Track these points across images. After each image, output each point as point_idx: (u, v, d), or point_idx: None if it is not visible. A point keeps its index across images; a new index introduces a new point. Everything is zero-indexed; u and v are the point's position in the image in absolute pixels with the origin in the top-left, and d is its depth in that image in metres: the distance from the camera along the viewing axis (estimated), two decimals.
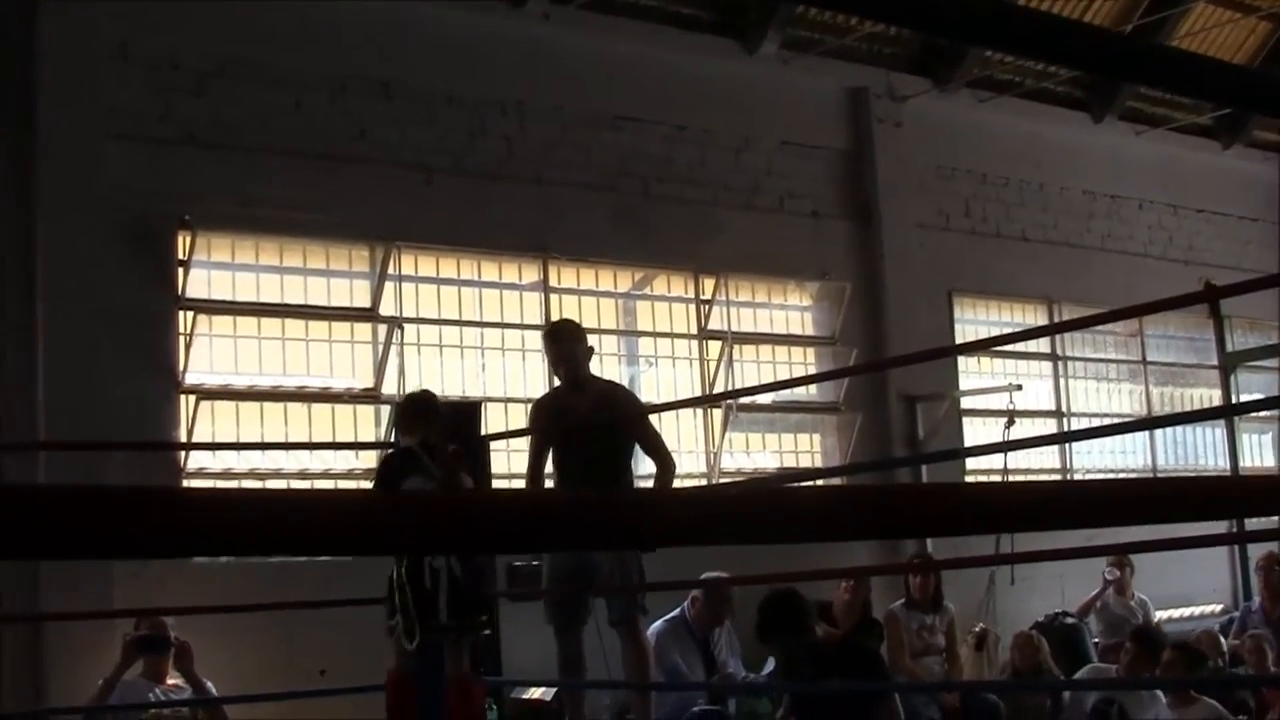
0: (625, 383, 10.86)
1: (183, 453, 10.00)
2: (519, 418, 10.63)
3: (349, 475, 10.41)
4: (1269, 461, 16.56)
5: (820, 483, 11.78)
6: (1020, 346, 14.43)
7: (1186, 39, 14.91)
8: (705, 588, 10.20)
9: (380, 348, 10.82)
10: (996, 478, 13.01)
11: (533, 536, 1.80)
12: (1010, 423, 12.89)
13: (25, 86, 9.62)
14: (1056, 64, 11.37)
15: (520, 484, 10.20)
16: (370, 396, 10.70)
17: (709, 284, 12.56)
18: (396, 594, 7.32)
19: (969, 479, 12.80)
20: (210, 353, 10.25)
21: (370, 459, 10.27)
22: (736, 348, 12.61)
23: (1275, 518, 7.38)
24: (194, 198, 10.00)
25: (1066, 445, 14.73)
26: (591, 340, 8.94)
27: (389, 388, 10.67)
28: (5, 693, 8.86)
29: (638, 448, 8.60)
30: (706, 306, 12.54)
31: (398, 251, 10.92)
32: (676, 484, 9.25)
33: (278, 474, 10.36)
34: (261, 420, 10.35)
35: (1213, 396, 15.67)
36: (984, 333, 13.99)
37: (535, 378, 11.17)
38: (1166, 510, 2.39)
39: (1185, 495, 2.50)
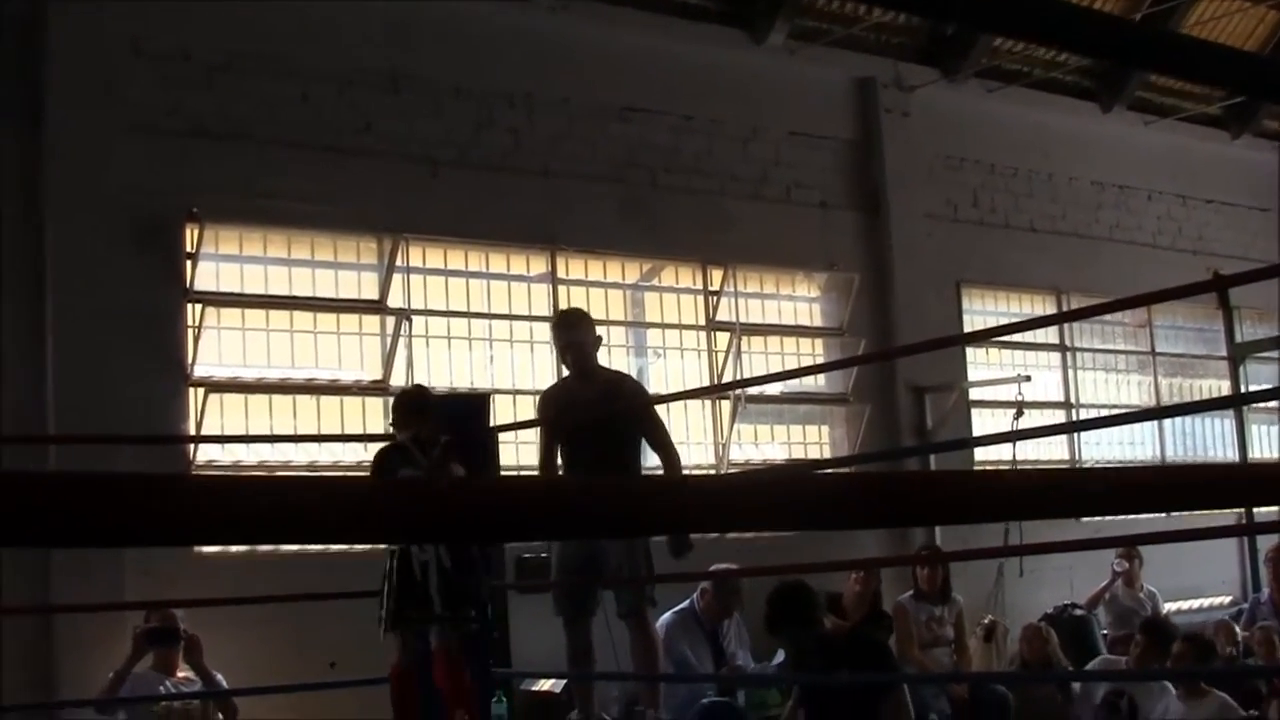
0: (634, 374, 10.86)
1: (192, 446, 10.01)
2: (528, 409, 10.64)
3: (358, 468, 10.39)
4: (1278, 452, 16.53)
5: (830, 472, 11.76)
6: (1029, 337, 14.42)
7: (1195, 28, 14.86)
8: (714, 579, 10.20)
9: (388, 340, 10.83)
10: (1005, 468, 12.99)
11: (539, 524, 1.79)
12: (1019, 414, 12.87)
13: (34, 81, 9.63)
14: (1069, 51, 11.36)
15: (529, 476, 10.21)
16: (379, 389, 10.70)
17: (717, 275, 12.55)
18: (383, 584, 7.36)
19: (978, 469, 12.78)
20: (219, 346, 10.26)
21: None
22: (744, 339, 12.60)
23: None
24: (202, 191, 10.00)
25: (1075, 436, 14.71)
26: (599, 331, 8.94)
27: (397, 380, 10.66)
28: (16, 685, 8.87)
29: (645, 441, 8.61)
30: (714, 297, 12.53)
31: (405, 243, 10.92)
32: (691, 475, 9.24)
33: (287, 466, 10.36)
34: (270, 413, 10.36)
35: (1222, 387, 15.65)
36: (992, 323, 13.97)
37: (544, 369, 11.18)
38: (1175, 498, 2.38)
39: (1193, 483, 2.49)
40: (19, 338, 9.43)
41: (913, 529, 11.95)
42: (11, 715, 8.90)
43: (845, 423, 13.16)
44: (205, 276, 10.17)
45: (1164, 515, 11.12)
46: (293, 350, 10.59)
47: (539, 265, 11.73)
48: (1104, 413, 14.34)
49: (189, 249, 10.07)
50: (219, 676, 8.77)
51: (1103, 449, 14.94)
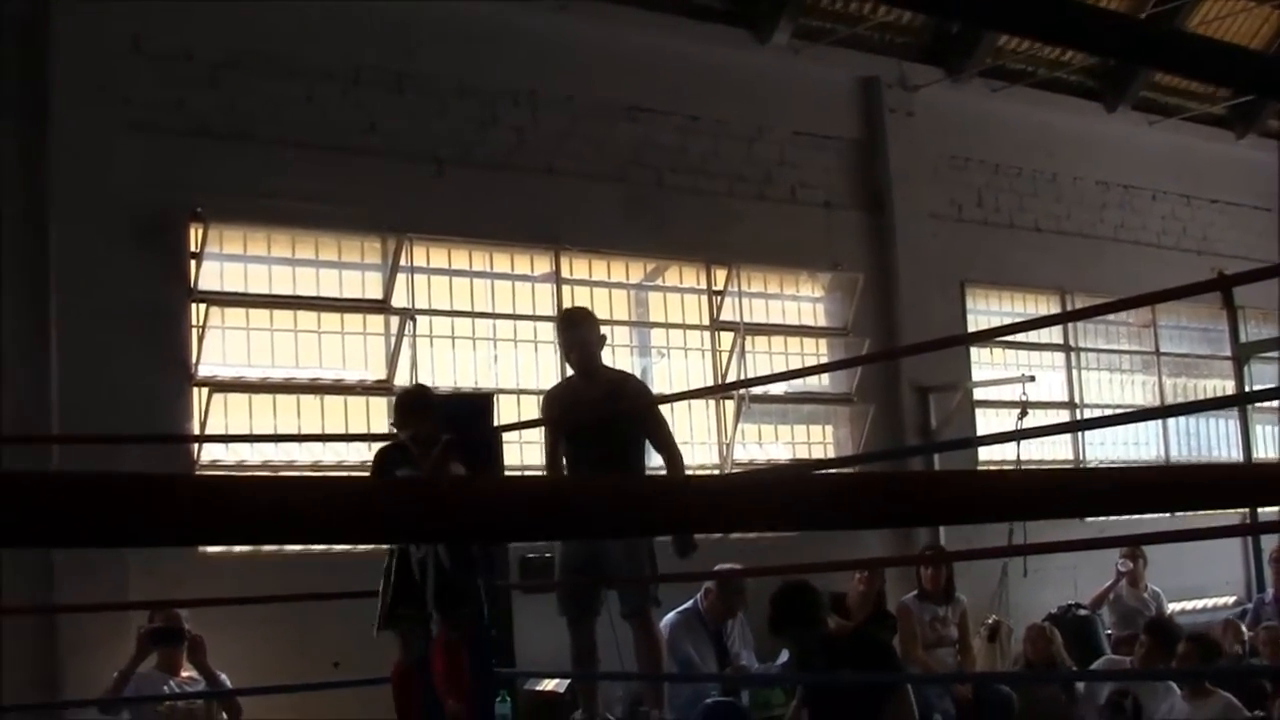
0: (638, 374, 10.86)
1: (196, 446, 10.02)
2: (532, 409, 10.64)
3: (363, 468, 10.39)
4: None
5: (834, 472, 11.75)
6: (1033, 337, 14.41)
7: (1200, 28, 14.85)
8: (718, 579, 10.20)
9: (393, 340, 10.83)
10: (1009, 469, 12.99)
11: (537, 524, 1.79)
12: (1023, 414, 12.87)
13: (38, 80, 9.63)
14: (1074, 49, 11.35)
15: (534, 475, 10.21)
16: (383, 388, 10.70)
17: (721, 275, 12.55)
18: (382, 583, 7.37)
19: (982, 469, 12.77)
20: (223, 345, 10.26)
21: None
22: (749, 339, 12.59)
23: None
24: (206, 190, 10.00)
25: (1079, 436, 14.70)
26: (603, 331, 8.94)
27: (402, 380, 10.66)
28: (21, 685, 8.88)
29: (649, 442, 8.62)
30: (719, 297, 12.53)
31: (410, 243, 10.92)
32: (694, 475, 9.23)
33: (291, 466, 10.36)
34: (274, 413, 10.36)
35: (1226, 387, 15.64)
36: (996, 323, 13.97)
37: (548, 369, 11.18)
38: (1179, 497, 2.38)
39: (1197, 482, 2.49)
40: (22, 337, 9.43)
41: (917, 529, 11.95)
42: (15, 715, 8.90)
43: (849, 423, 13.15)
44: (209, 276, 10.17)
45: (1168, 515, 11.15)
46: (297, 350, 10.59)
47: (543, 265, 11.73)
48: (1108, 413, 14.33)
49: (193, 248, 10.07)
50: (223, 676, 8.78)
51: (1107, 449, 14.94)
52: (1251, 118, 16.76)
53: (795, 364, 12.80)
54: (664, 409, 9.18)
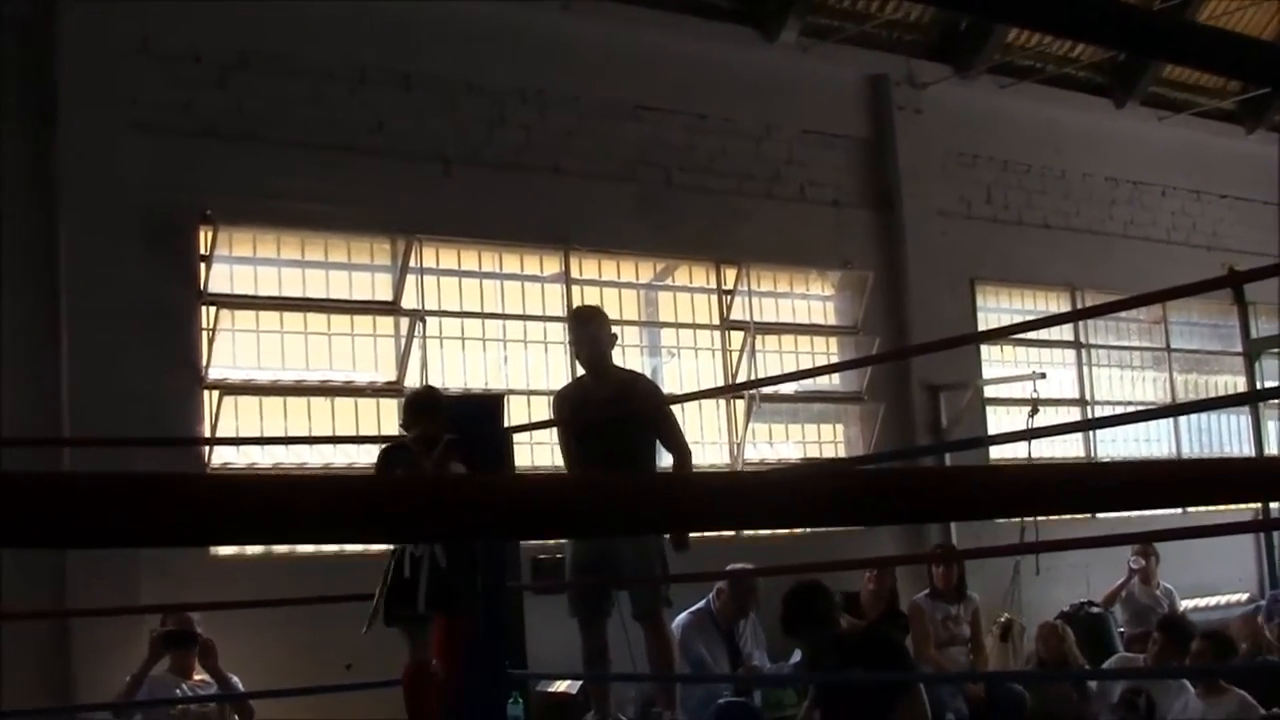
0: (648, 373, 10.85)
1: (206, 448, 10.02)
2: (542, 410, 10.64)
3: (373, 469, 10.40)
4: None
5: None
6: (1043, 335, 14.40)
7: (1209, 22, 14.82)
8: (730, 579, 10.19)
9: (402, 341, 10.83)
10: None
11: (535, 523, 1.79)
12: (1034, 411, 12.85)
13: (46, 82, 9.64)
14: (1087, 42, 11.30)
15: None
16: (393, 390, 10.70)
17: (731, 274, 12.54)
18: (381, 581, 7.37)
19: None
20: (233, 347, 10.27)
21: None
22: (759, 338, 12.58)
23: None
24: (214, 192, 10.01)
25: (1090, 433, 14.68)
26: (614, 330, 8.94)
27: (412, 381, 10.66)
28: (34, 689, 8.88)
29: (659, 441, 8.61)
30: (728, 297, 12.52)
31: (419, 244, 10.92)
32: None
33: (302, 469, 10.35)
34: (285, 415, 10.36)
35: (1237, 383, 15.61)
36: (1006, 321, 13.95)
37: (558, 369, 11.18)
38: (1190, 492, 2.37)
39: (1209, 478, 2.48)
40: (32, 340, 9.43)
41: (928, 527, 11.94)
42: None
43: (860, 421, 13.14)
44: (219, 278, 10.18)
45: (1180, 512, 11.14)
46: (307, 352, 10.59)
47: (552, 265, 11.73)
48: (1119, 409, 14.31)
49: (203, 251, 10.08)
50: (235, 679, 8.77)
51: (1118, 446, 14.91)
52: (1261, 113, 16.74)
53: (805, 363, 12.79)
54: (675, 409, 9.18)
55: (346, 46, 10.82)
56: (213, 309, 10.10)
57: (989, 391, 13.74)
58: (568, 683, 9.65)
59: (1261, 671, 10.49)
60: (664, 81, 12.29)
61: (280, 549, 9.39)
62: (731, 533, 9.90)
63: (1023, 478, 2.50)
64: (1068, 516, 11.21)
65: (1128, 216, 15.72)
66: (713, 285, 12.56)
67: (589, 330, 8.71)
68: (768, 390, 12.34)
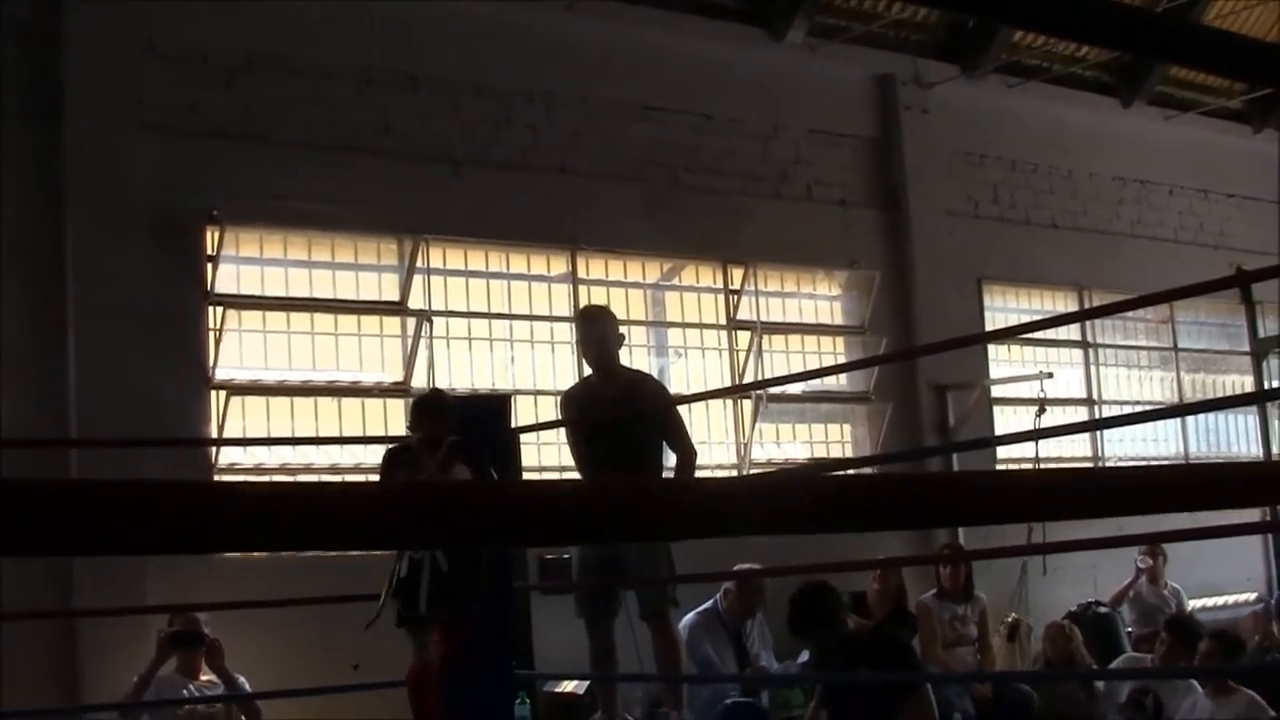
0: (655, 374, 10.84)
1: (213, 449, 10.03)
2: (549, 410, 10.63)
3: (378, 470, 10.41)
4: None
5: (851, 473, 11.73)
6: (1051, 334, 14.38)
7: (1215, 22, 14.80)
8: (737, 580, 10.18)
9: (409, 341, 10.83)
10: (1028, 466, 12.95)
11: (547, 528, 1.78)
12: (1041, 411, 12.83)
13: (53, 82, 9.65)
14: (1093, 45, 11.30)
15: (550, 476, 10.22)
16: (400, 390, 10.70)
17: (737, 274, 12.54)
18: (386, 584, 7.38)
19: (1000, 468, 12.73)
20: (240, 348, 10.28)
21: None
22: (766, 338, 12.58)
23: None
24: (221, 192, 10.01)
25: (1098, 433, 14.66)
26: (622, 330, 8.93)
27: (419, 381, 10.66)
28: (41, 689, 8.89)
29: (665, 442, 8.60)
30: (735, 296, 12.52)
31: (426, 244, 10.92)
32: (705, 476, 9.22)
33: (309, 469, 10.36)
34: (292, 415, 10.36)
35: (1245, 383, 15.57)
36: (1014, 320, 13.93)
37: (565, 370, 11.17)
38: (1199, 497, 2.36)
39: (1218, 481, 2.47)
40: (39, 340, 9.44)
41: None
42: None
43: (867, 421, 13.13)
44: (226, 278, 10.18)
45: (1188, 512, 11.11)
46: (314, 352, 10.60)
47: (559, 265, 11.72)
48: (1126, 409, 14.30)
49: (210, 251, 10.09)
50: (241, 679, 8.78)
51: (1125, 446, 14.89)
52: (1268, 112, 16.71)
53: (812, 363, 12.78)
54: (682, 409, 9.17)
55: (353, 48, 10.82)
56: (220, 309, 10.11)
57: (996, 391, 13.73)
58: (575, 683, 9.64)
59: (1270, 671, 10.47)
60: (671, 81, 12.29)
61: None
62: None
63: (1034, 483, 2.50)
64: None
65: (1135, 216, 15.70)
66: (719, 285, 12.56)
67: (597, 329, 8.71)
68: (775, 390, 12.33)
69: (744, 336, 12.50)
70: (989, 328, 13.70)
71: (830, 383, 13.22)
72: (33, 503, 1.37)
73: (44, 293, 9.46)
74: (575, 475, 8.92)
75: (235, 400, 10.05)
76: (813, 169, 13.16)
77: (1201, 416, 15.69)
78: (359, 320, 10.82)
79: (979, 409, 13.38)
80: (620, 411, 8.39)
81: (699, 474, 9.16)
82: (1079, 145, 15.13)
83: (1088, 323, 14.92)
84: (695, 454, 8.70)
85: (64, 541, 1.46)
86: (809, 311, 13.25)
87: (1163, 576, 12.87)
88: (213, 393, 10.04)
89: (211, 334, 10.08)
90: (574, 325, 9.34)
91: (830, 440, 13.18)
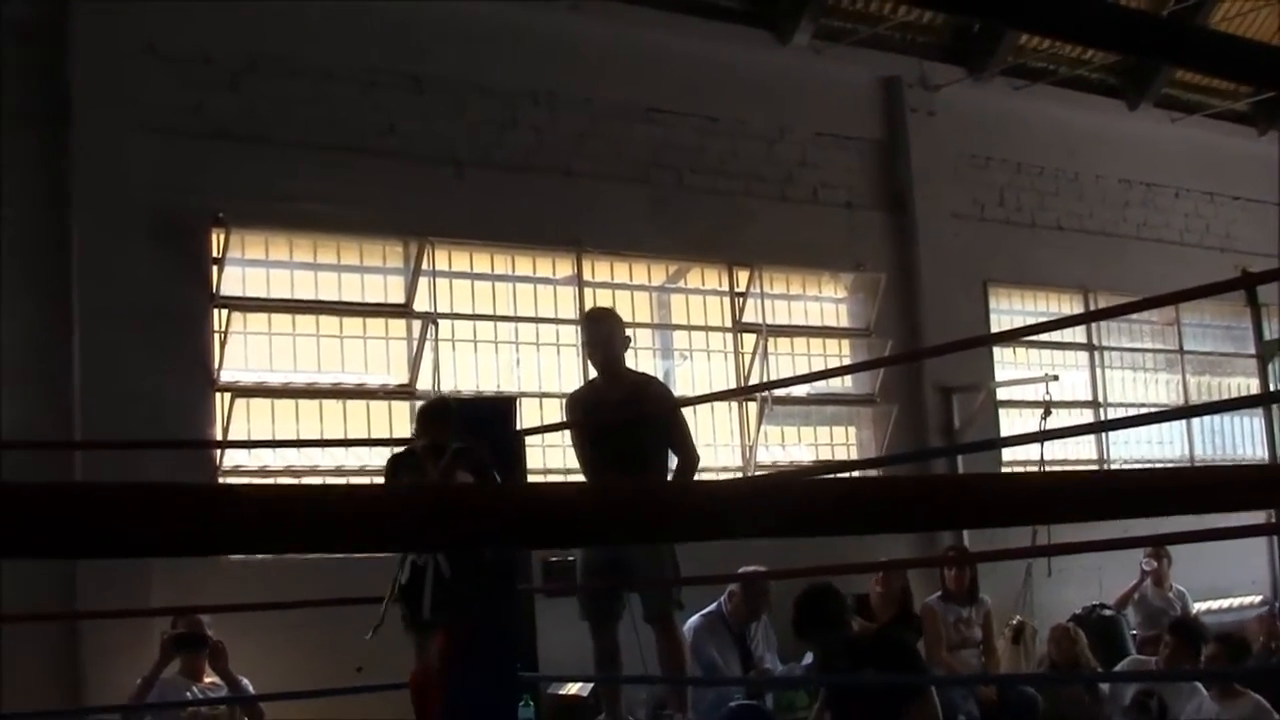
0: (660, 376, 10.83)
1: (218, 451, 10.02)
2: (554, 413, 10.63)
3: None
4: None
5: (856, 475, 11.72)
6: (1056, 337, 14.37)
7: (1221, 25, 14.79)
8: (742, 582, 10.17)
9: (415, 344, 10.83)
10: (1033, 469, 12.93)
11: (551, 530, 1.78)
12: (1047, 413, 12.82)
13: (57, 84, 9.66)
14: (1097, 47, 11.30)
15: (556, 479, 10.22)
16: (405, 393, 10.70)
17: (743, 276, 12.53)
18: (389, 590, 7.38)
19: (1005, 470, 12.72)
20: (245, 350, 10.28)
21: None
22: (771, 340, 12.57)
23: None
24: (225, 194, 10.02)
25: (1103, 436, 14.65)
26: (628, 333, 8.92)
27: (424, 384, 10.67)
28: (44, 691, 8.89)
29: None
30: (741, 299, 12.51)
31: (431, 246, 10.91)
32: (711, 479, 9.21)
33: (313, 471, 10.37)
34: (297, 417, 10.36)
35: (1250, 385, 15.55)
36: (1019, 323, 13.93)
37: (570, 372, 11.17)
38: (1204, 500, 2.35)
39: (1223, 484, 2.46)
40: (44, 341, 9.44)
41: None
42: None
43: (872, 424, 13.12)
44: (231, 280, 10.18)
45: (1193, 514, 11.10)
46: (319, 354, 10.60)
47: (564, 267, 11.72)
48: (1132, 412, 14.28)
49: (215, 253, 10.09)
50: (245, 681, 8.77)
51: (1131, 448, 14.88)
52: (1274, 114, 16.70)
53: (818, 365, 12.77)
54: (687, 412, 9.16)
55: (356, 49, 10.81)
56: (225, 311, 10.11)
57: (1002, 394, 13.72)
58: (579, 685, 9.64)
59: (1276, 674, 10.45)
60: (676, 83, 12.29)
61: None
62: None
63: (1040, 486, 2.49)
64: None
65: (1141, 218, 15.69)
66: (725, 288, 12.55)
67: (602, 330, 8.70)
68: (780, 393, 12.32)
69: (749, 339, 12.49)
70: (994, 330, 13.70)
71: (835, 385, 13.21)
72: (34, 505, 1.36)
73: (48, 294, 9.46)
74: (580, 478, 8.91)
75: (240, 402, 10.05)
76: (818, 171, 13.16)
77: (1207, 419, 15.68)
78: (364, 322, 10.82)
79: (984, 411, 13.38)
80: (626, 414, 8.38)
81: (701, 479, 9.14)
82: (1085, 147, 15.12)
83: (1093, 325, 14.90)
84: (698, 460, 8.69)
85: (66, 544, 1.45)
86: (814, 314, 13.25)
87: (1168, 579, 12.85)
88: (217, 394, 10.04)
89: (217, 336, 10.08)
90: (580, 327, 9.33)
91: (835, 443, 13.17)
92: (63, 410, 9.33)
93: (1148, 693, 9.39)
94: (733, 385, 12.26)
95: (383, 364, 10.84)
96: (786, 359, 12.75)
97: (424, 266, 10.88)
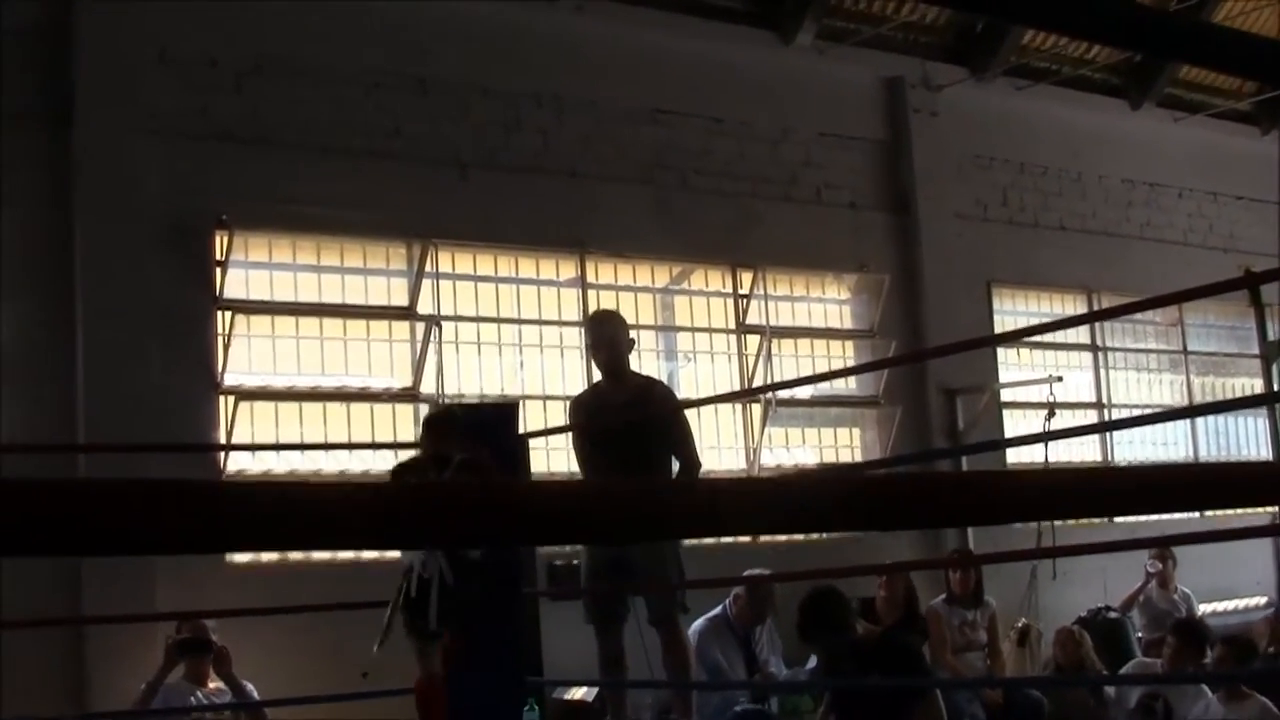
0: (664, 378, 10.83)
1: (222, 454, 10.02)
2: (558, 415, 10.63)
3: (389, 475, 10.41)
4: None
5: None
6: (1060, 337, 14.36)
7: (1224, 23, 14.76)
8: (746, 585, 10.16)
9: (418, 346, 10.82)
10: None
11: (556, 528, 1.77)
12: (1050, 414, 12.80)
13: (62, 85, 9.66)
14: (1103, 44, 11.27)
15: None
16: (409, 396, 10.69)
17: (747, 278, 12.52)
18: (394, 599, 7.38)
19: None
20: (249, 353, 10.27)
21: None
22: (775, 342, 12.56)
23: None
24: (230, 196, 10.02)
25: (1107, 436, 14.64)
26: (632, 335, 8.92)
27: (427, 387, 10.66)
28: (49, 696, 8.88)
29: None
30: (745, 301, 12.50)
31: (434, 249, 10.91)
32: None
33: (317, 474, 10.36)
34: (300, 420, 10.36)
35: (1254, 385, 15.55)
36: (1023, 323, 13.92)
37: (574, 375, 11.17)
38: (1207, 496, 2.35)
39: (1226, 481, 2.45)
40: (48, 343, 9.44)
41: (945, 531, 11.91)
42: None
43: (876, 425, 13.11)
44: (235, 283, 10.18)
45: (1198, 515, 11.10)
46: (322, 357, 10.59)
47: (568, 269, 11.71)
48: (1136, 412, 14.27)
49: (219, 256, 10.09)
50: (249, 687, 8.76)
51: (1135, 449, 14.87)
52: (1277, 113, 16.68)
53: (821, 367, 12.76)
54: (691, 414, 9.15)
55: (361, 51, 10.81)
56: (228, 314, 10.11)
57: (1006, 395, 13.71)
58: (584, 689, 9.63)
59: (1275, 675, 10.43)
60: (680, 85, 12.28)
61: (296, 556, 9.38)
62: (748, 537, 9.86)
63: (1042, 483, 2.48)
64: (1084, 521, 11.17)
65: (1144, 218, 15.67)
66: (729, 289, 12.55)
67: (607, 331, 8.69)
68: (784, 394, 12.32)
69: (753, 340, 12.48)
70: (998, 331, 13.69)
71: (839, 386, 13.20)
72: (35, 502, 1.36)
73: (52, 295, 9.46)
74: None
75: (244, 405, 10.04)
76: (822, 172, 13.15)
77: (1211, 419, 15.67)
78: (368, 325, 10.81)
79: (988, 412, 13.36)
80: (630, 417, 8.38)
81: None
82: (1088, 148, 15.11)
83: (1097, 325, 14.89)
84: (700, 466, 8.68)
85: (68, 541, 1.45)
86: (818, 315, 13.24)
87: (1173, 581, 12.83)
88: (221, 397, 10.03)
89: (220, 338, 10.08)
90: (584, 329, 9.33)
91: (840, 444, 13.16)
92: (66, 413, 9.33)
93: (1153, 695, 9.38)
94: (737, 387, 12.25)
95: (386, 367, 10.83)
96: (790, 361, 12.75)
97: (428, 269, 10.88)
